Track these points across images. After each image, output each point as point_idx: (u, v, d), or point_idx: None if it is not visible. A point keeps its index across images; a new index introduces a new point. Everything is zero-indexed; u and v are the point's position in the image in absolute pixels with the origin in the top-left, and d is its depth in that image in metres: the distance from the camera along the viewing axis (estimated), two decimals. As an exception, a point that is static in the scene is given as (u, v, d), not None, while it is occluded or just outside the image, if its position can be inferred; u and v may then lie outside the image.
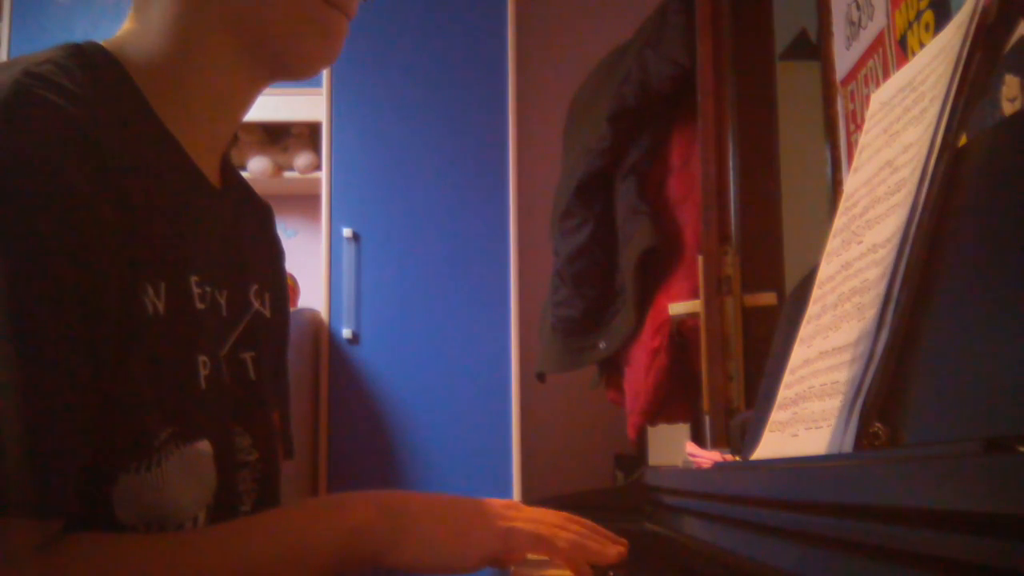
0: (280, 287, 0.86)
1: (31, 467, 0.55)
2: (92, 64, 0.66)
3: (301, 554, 0.64)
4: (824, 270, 0.77)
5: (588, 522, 0.74)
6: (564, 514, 0.73)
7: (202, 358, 0.69)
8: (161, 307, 0.65)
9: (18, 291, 0.56)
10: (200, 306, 0.69)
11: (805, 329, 0.78)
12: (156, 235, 0.65)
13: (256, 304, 0.79)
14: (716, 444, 1.58)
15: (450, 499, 0.70)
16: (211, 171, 0.76)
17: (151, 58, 0.71)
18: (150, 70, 0.70)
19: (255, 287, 0.80)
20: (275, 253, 0.88)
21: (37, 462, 0.55)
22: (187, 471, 0.66)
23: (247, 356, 0.77)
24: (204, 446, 0.68)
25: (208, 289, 0.71)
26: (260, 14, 0.72)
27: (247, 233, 0.82)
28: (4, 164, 0.56)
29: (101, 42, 0.70)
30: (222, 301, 0.73)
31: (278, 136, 2.85)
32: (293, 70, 0.76)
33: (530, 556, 0.70)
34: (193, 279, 0.69)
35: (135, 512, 0.63)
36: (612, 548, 0.71)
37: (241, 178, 0.84)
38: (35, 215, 0.57)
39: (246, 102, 0.78)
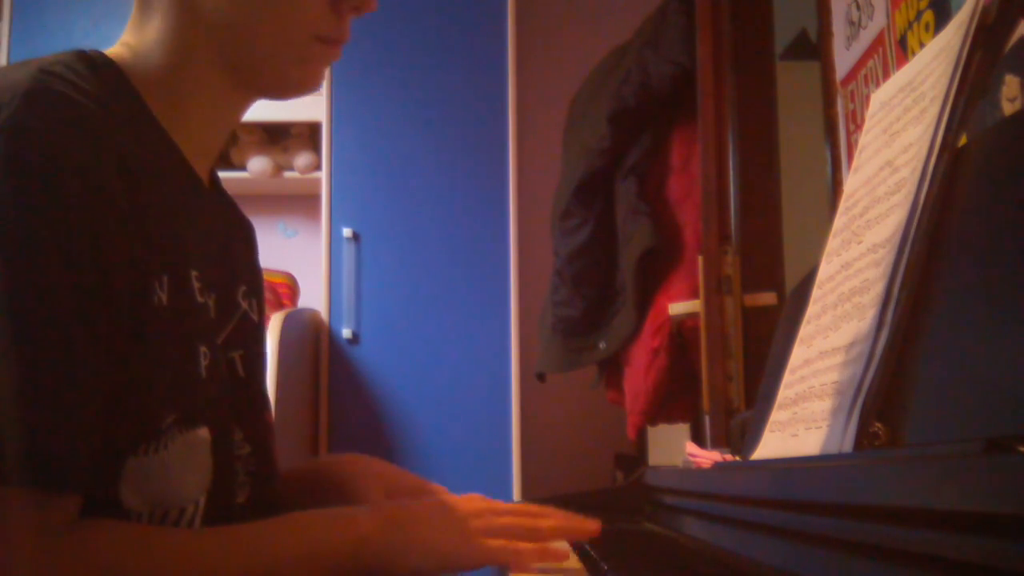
0: (262, 301, 0.88)
1: (54, 442, 0.57)
2: (97, 68, 0.69)
3: (314, 559, 0.67)
4: (824, 270, 0.77)
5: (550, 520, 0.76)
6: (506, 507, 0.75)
7: (203, 348, 0.71)
8: (164, 299, 0.67)
9: (41, 277, 0.58)
10: (200, 299, 0.72)
11: (805, 329, 0.78)
12: (160, 230, 0.68)
13: (244, 305, 0.81)
14: (716, 444, 1.58)
15: (441, 505, 0.74)
16: (203, 175, 0.79)
17: (149, 69, 0.74)
18: (148, 80, 0.73)
19: (243, 288, 0.82)
20: (258, 270, 0.91)
21: (60, 438, 0.58)
22: (189, 456, 0.68)
23: (236, 355, 0.80)
24: (204, 433, 0.70)
25: (203, 286, 0.73)
26: (247, 44, 0.75)
27: (234, 238, 0.84)
28: (28, 153, 0.59)
29: (104, 51, 0.73)
30: (211, 302, 0.75)
31: (278, 136, 2.85)
32: (279, 94, 0.79)
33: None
34: (194, 274, 0.72)
35: (141, 495, 0.65)
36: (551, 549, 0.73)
37: (225, 190, 0.87)
38: (55, 205, 0.59)
39: (238, 115, 0.81)
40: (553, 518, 0.75)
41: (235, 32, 0.73)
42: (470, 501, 0.75)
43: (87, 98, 0.64)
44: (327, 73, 2.67)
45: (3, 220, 0.58)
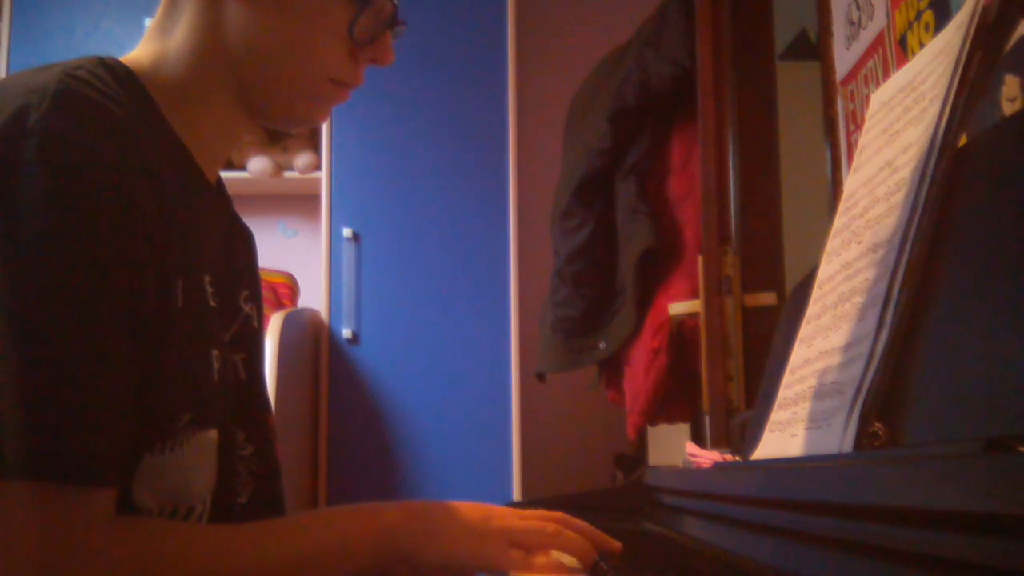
0: (261, 307, 0.90)
1: (87, 437, 0.59)
2: (115, 73, 0.70)
3: (343, 551, 0.69)
4: (824, 270, 0.77)
5: (578, 529, 0.75)
6: (553, 526, 0.74)
7: (215, 352, 0.73)
8: (179, 302, 0.68)
9: (72, 277, 0.59)
10: (212, 304, 0.74)
11: (805, 329, 0.78)
12: (179, 234, 0.69)
13: (246, 309, 0.82)
14: (716, 444, 1.58)
15: (465, 506, 0.75)
16: (211, 180, 0.81)
17: (165, 80, 0.75)
18: (164, 89, 0.74)
19: (245, 293, 0.83)
20: (258, 276, 0.91)
21: (94, 433, 0.59)
22: (200, 456, 0.70)
23: (238, 358, 0.81)
24: (213, 434, 0.72)
25: (213, 290, 0.75)
26: (263, 76, 0.77)
27: (237, 242, 0.85)
28: (59, 154, 0.60)
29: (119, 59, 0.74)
30: (215, 304, 0.75)
31: (278, 136, 2.85)
32: (278, 125, 0.83)
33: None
34: (207, 279, 0.73)
35: (153, 493, 0.66)
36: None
37: (228, 195, 0.89)
38: (87, 205, 0.60)
39: (244, 130, 0.83)
40: (579, 529, 0.74)
41: (255, 63, 0.75)
42: (495, 507, 0.76)
43: (111, 102, 0.65)
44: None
45: (35, 221, 0.59)
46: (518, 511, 0.75)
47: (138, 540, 0.63)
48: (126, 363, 0.62)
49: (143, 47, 0.76)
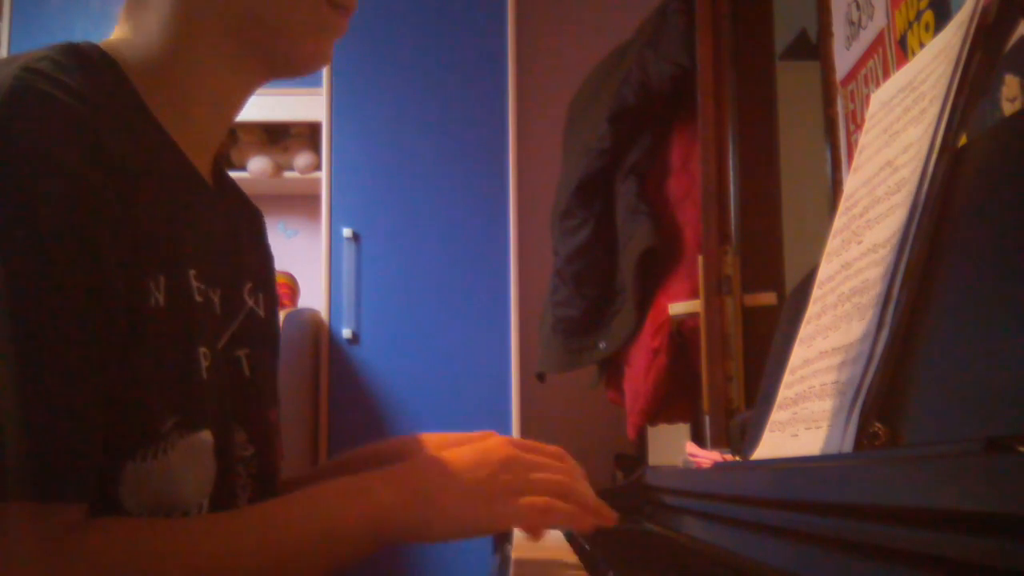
0: (272, 291, 0.87)
1: (56, 452, 0.56)
2: (88, 62, 0.67)
3: (332, 535, 0.65)
4: (824, 270, 0.77)
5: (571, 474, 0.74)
6: (559, 469, 0.73)
7: (202, 350, 0.70)
8: (161, 300, 0.66)
9: (32, 284, 0.57)
10: (199, 299, 0.70)
11: (805, 329, 0.78)
12: (156, 230, 0.66)
13: (250, 302, 0.80)
14: (716, 444, 1.58)
15: (466, 464, 0.70)
16: (204, 171, 0.77)
17: (146, 59, 0.72)
18: (145, 71, 0.71)
19: (249, 285, 0.81)
20: (267, 257, 0.89)
21: (62, 447, 0.57)
22: (191, 460, 0.67)
23: (241, 353, 0.78)
24: (206, 436, 0.69)
25: (203, 285, 0.72)
26: (261, 15, 0.74)
27: (241, 233, 0.82)
28: (9, 158, 0.58)
29: (97, 43, 0.71)
30: (215, 298, 0.74)
31: (278, 136, 2.85)
32: (290, 69, 0.78)
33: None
34: (191, 273, 0.70)
35: (141, 501, 0.64)
36: (595, 518, 0.71)
37: (232, 180, 0.86)
38: (43, 208, 0.58)
39: (240, 102, 0.79)
40: (583, 485, 0.72)
41: (246, 4, 0.73)
42: (499, 449, 0.71)
43: (74, 97, 0.61)
44: (327, 73, 2.67)
45: None
46: (527, 447, 0.72)
47: (113, 540, 0.60)
48: (95, 371, 0.59)
49: (118, 30, 0.73)
